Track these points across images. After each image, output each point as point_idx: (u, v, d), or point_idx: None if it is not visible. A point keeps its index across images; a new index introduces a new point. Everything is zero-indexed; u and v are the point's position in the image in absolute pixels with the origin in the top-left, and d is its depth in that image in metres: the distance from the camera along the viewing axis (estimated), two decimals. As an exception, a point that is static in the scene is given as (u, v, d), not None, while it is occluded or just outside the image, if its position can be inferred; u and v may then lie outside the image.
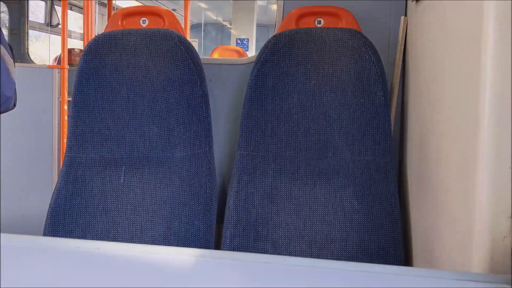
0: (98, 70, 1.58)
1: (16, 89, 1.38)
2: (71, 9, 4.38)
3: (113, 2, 3.83)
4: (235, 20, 10.42)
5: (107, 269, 0.55)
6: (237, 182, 1.48)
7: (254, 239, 1.41)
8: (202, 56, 1.71)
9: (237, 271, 0.57)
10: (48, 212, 1.50)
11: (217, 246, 1.54)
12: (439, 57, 1.10)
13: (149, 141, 1.57)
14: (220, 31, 14.35)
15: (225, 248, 1.41)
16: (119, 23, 1.74)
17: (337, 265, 0.58)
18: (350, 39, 1.51)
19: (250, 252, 1.40)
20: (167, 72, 1.57)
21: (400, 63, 1.61)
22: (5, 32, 3.68)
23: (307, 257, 1.38)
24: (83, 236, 1.48)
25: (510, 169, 0.65)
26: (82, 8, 2.72)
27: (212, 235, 1.50)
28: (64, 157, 1.57)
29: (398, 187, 1.48)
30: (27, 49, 3.79)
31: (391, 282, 0.55)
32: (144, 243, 1.47)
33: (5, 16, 3.72)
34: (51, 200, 1.52)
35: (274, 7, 9.61)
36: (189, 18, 3.46)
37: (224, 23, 13.97)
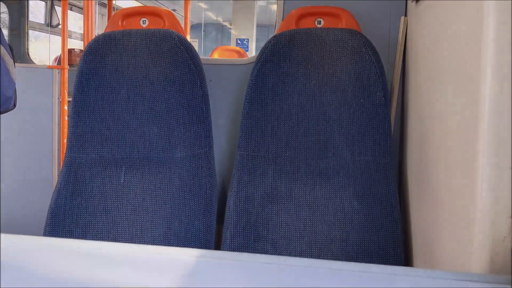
0: (98, 70, 1.58)
1: (16, 89, 1.38)
2: (71, 9, 4.38)
3: (113, 2, 3.83)
4: (235, 20, 10.43)
5: (107, 270, 0.55)
6: (237, 182, 1.48)
7: (254, 240, 1.41)
8: (202, 56, 1.71)
9: (237, 272, 0.57)
10: (48, 212, 1.50)
11: (217, 247, 1.54)
12: (439, 57, 1.10)
13: (149, 142, 1.57)
14: (220, 31, 14.37)
15: (225, 248, 1.41)
16: (119, 24, 1.74)
17: (337, 265, 0.58)
18: (350, 39, 1.51)
19: (250, 252, 1.40)
20: (167, 72, 1.57)
21: (400, 63, 1.62)
22: (5, 32, 3.68)
23: (307, 257, 1.38)
24: (83, 236, 1.48)
25: (510, 169, 0.65)
26: (82, 9, 2.72)
27: (212, 235, 1.50)
28: (64, 157, 1.57)
29: (398, 187, 1.48)
30: (27, 49, 3.79)
31: (391, 282, 0.55)
32: (144, 243, 1.47)
33: (5, 17, 3.72)
34: (51, 201, 1.52)
35: (274, 7, 9.61)
36: (189, 18, 3.46)
37: (224, 23, 13.98)
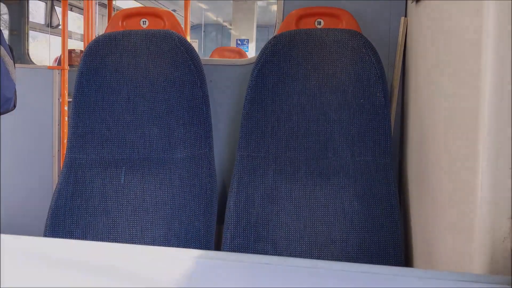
0: (98, 71, 1.58)
1: (16, 90, 1.38)
2: (71, 10, 4.38)
3: (113, 3, 3.83)
4: (235, 21, 10.44)
5: (108, 270, 0.55)
6: (238, 183, 1.48)
7: (255, 240, 1.41)
8: (202, 57, 1.71)
9: (237, 272, 0.57)
10: (48, 213, 1.50)
11: (218, 247, 1.54)
12: (439, 57, 1.10)
13: (150, 142, 1.57)
14: (220, 31, 14.37)
15: (226, 249, 1.41)
16: (120, 24, 1.74)
17: (337, 266, 0.58)
18: (350, 40, 1.51)
19: (251, 253, 1.40)
20: (167, 73, 1.57)
21: (400, 63, 1.62)
22: (5, 33, 3.68)
23: (307, 257, 1.38)
24: (83, 237, 1.48)
25: (510, 170, 0.65)
26: (82, 9, 2.72)
27: (212, 236, 1.50)
28: (65, 158, 1.57)
29: (398, 187, 1.48)
30: (27, 50, 3.79)
31: (391, 283, 0.55)
32: (144, 244, 1.47)
33: (6, 17, 3.72)
34: (51, 201, 1.52)
35: (274, 7, 9.62)
36: (189, 19, 3.46)
37: (224, 23, 13.98)
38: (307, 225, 1.41)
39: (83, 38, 2.34)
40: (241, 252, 1.39)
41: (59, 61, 3.27)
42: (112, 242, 1.48)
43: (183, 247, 1.45)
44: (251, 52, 9.63)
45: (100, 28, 5.77)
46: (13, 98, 1.35)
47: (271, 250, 1.40)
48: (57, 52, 4.32)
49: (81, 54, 1.77)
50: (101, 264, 0.57)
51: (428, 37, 1.26)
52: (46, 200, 1.58)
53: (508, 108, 0.65)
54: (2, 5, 3.65)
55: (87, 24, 2.28)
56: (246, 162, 1.51)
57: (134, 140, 1.57)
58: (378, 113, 1.47)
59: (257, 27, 10.42)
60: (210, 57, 5.87)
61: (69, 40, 2.56)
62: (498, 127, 0.66)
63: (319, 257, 1.38)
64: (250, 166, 1.50)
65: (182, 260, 0.58)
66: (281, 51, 1.54)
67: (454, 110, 0.91)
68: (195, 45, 6.25)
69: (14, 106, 1.38)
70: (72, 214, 1.50)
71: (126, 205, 1.51)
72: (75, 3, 4.43)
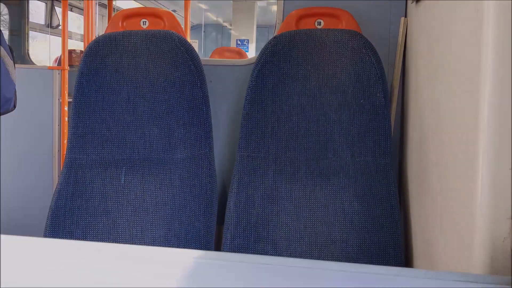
0: (98, 71, 1.58)
1: (16, 90, 1.38)
2: (71, 10, 4.38)
3: (113, 3, 3.83)
4: (235, 21, 10.43)
5: (108, 271, 0.55)
6: (238, 183, 1.48)
7: (255, 240, 1.41)
8: (202, 57, 1.71)
9: (238, 273, 0.57)
10: (48, 213, 1.50)
11: (218, 247, 1.54)
12: (439, 58, 1.10)
13: (150, 142, 1.57)
14: (220, 32, 14.37)
15: (226, 249, 1.41)
16: (120, 25, 1.74)
17: (338, 266, 0.58)
18: (350, 40, 1.51)
19: (251, 253, 1.40)
20: (167, 73, 1.57)
21: (400, 63, 1.61)
22: (5, 33, 3.68)
23: (307, 258, 1.38)
24: (83, 237, 1.48)
25: (510, 170, 0.65)
26: (82, 9, 2.72)
27: (212, 236, 1.50)
28: (65, 158, 1.57)
29: (398, 187, 1.48)
30: (28, 50, 3.79)
31: (391, 283, 0.55)
32: (144, 244, 1.47)
33: (6, 18, 3.72)
34: (51, 201, 1.52)
35: (274, 8, 9.62)
36: (189, 19, 3.46)
37: (224, 24, 13.98)
38: (307, 226, 1.41)
39: (83, 38, 2.34)
40: (241, 252, 1.39)
41: (59, 61, 3.27)
42: (112, 242, 1.48)
43: (183, 248, 1.45)
44: (251, 52, 9.63)
45: (100, 28, 5.77)
46: (13, 99, 1.35)
47: (271, 251, 1.40)
48: (57, 52, 4.32)
49: (81, 55, 1.77)
50: (101, 265, 0.57)
51: (428, 37, 1.26)
52: (46, 200, 1.58)
53: (508, 108, 0.65)
54: (2, 5, 3.65)
55: (87, 24, 2.28)
56: (246, 162, 1.51)
57: (134, 140, 1.57)
58: (378, 113, 1.47)
59: (257, 27, 10.42)
60: (210, 57, 5.87)
61: (69, 40, 2.56)
62: (498, 127, 0.66)
63: (319, 258, 1.38)
64: (250, 167, 1.50)
65: (182, 260, 0.58)
66: (281, 51, 1.54)
67: (454, 110, 0.91)
68: (195, 45, 6.25)
69: (14, 107, 1.38)
70: (72, 215, 1.50)
71: (126, 206, 1.51)
72: (75, 3, 4.43)
